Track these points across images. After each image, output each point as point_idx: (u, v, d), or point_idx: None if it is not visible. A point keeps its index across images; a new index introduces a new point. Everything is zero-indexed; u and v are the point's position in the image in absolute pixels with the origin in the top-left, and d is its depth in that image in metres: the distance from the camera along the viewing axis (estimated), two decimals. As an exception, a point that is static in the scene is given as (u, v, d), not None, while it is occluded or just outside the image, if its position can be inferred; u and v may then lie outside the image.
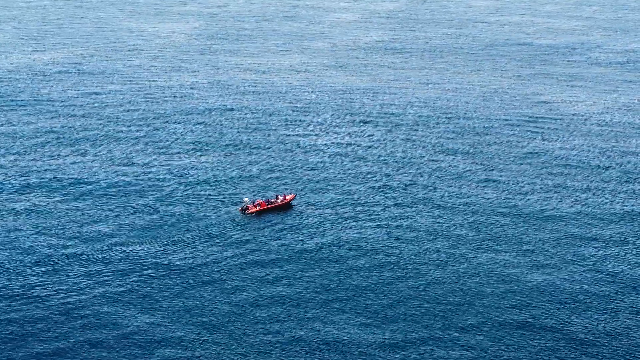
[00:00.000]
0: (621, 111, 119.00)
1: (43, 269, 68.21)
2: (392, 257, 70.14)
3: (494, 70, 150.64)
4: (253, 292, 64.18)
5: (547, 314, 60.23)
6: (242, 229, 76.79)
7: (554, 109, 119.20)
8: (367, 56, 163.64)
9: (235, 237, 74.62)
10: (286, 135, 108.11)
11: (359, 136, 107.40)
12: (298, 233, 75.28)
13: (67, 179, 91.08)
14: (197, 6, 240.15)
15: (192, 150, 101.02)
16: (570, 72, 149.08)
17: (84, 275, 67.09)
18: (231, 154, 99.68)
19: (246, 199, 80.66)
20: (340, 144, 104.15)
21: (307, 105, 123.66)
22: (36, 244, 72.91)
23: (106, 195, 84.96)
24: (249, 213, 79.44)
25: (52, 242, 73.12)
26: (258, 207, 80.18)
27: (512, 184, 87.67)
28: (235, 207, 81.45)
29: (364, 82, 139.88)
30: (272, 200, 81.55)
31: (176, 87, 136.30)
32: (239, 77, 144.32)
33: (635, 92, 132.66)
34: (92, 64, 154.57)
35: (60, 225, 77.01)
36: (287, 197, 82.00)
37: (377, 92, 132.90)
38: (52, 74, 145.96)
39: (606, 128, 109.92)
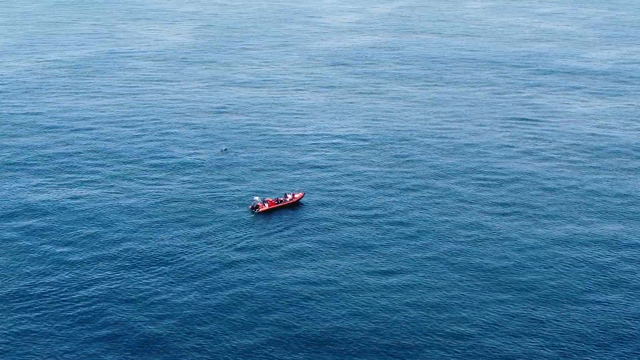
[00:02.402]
0: (617, 123, 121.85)
1: (54, 275, 72.16)
2: (398, 264, 75.40)
3: (488, 78, 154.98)
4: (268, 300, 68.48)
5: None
6: (254, 228, 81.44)
7: (550, 123, 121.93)
8: (365, 59, 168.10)
9: (248, 236, 79.62)
10: (285, 137, 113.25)
11: (357, 140, 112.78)
12: (307, 235, 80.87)
13: (70, 178, 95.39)
14: (194, 8, 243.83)
15: (193, 153, 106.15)
16: (565, 79, 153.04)
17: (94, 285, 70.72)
18: (226, 149, 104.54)
19: (256, 198, 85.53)
20: (339, 146, 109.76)
21: (305, 108, 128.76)
22: (47, 250, 76.89)
23: (109, 200, 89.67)
24: (260, 212, 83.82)
25: (49, 251, 77.36)
26: (266, 206, 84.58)
27: (507, 204, 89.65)
28: (239, 206, 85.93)
29: (362, 85, 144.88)
30: (282, 199, 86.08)
31: (175, 90, 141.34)
32: (237, 79, 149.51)
33: (630, 103, 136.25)
34: (89, 68, 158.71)
35: (60, 232, 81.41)
36: (296, 196, 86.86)
37: (374, 96, 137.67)
38: (48, 78, 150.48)
39: (604, 144, 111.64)
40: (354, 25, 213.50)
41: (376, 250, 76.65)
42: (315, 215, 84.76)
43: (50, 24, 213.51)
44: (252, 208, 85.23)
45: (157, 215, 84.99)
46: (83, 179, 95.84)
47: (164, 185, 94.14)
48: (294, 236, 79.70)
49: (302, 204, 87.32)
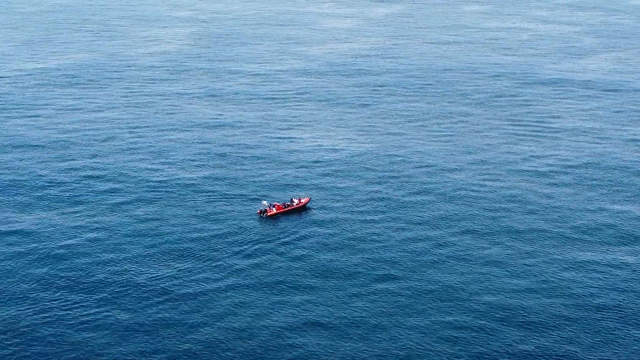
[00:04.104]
0: (615, 137, 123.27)
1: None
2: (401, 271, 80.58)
3: (484, 88, 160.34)
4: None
5: None
6: (264, 232, 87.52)
7: (548, 137, 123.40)
8: (362, 63, 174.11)
9: (258, 240, 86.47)
10: (283, 142, 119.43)
11: (354, 145, 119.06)
12: (317, 240, 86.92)
13: (65, 186, 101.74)
14: (192, 12, 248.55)
15: (194, 159, 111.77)
16: (563, 89, 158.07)
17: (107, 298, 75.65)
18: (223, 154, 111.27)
19: (265, 202, 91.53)
20: (338, 151, 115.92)
21: (302, 120, 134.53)
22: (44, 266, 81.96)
23: (112, 210, 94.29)
24: (268, 216, 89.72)
25: (49, 263, 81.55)
26: (274, 210, 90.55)
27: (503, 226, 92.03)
28: (244, 210, 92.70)
29: (359, 95, 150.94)
30: (288, 204, 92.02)
31: (172, 96, 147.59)
32: (234, 85, 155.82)
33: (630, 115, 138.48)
34: (87, 72, 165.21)
35: (62, 240, 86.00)
36: (302, 200, 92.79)
37: (373, 100, 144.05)
38: (47, 82, 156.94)
39: (602, 161, 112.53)
40: (350, 33, 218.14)
41: (374, 264, 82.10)
42: (322, 219, 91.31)
43: (44, 30, 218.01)
44: (261, 212, 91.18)
45: (166, 227, 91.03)
46: (79, 200, 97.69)
47: (166, 196, 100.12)
48: (300, 245, 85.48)
49: (308, 209, 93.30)
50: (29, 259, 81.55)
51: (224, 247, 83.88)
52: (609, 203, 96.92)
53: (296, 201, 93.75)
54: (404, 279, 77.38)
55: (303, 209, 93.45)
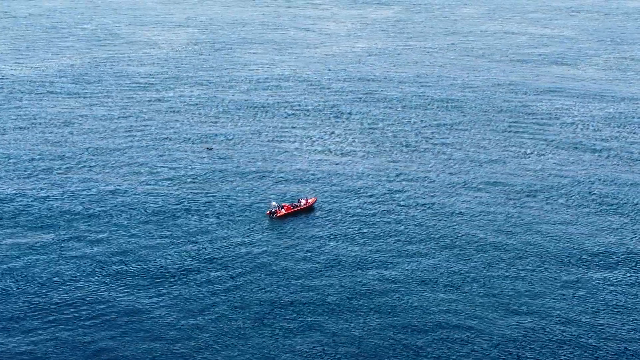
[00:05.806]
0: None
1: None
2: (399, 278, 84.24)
3: (481, 96, 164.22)
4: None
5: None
6: (274, 231, 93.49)
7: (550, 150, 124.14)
8: (360, 68, 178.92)
9: (271, 240, 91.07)
10: (282, 148, 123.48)
11: (354, 147, 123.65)
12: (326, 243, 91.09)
13: (64, 195, 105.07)
14: (190, 16, 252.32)
15: (193, 167, 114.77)
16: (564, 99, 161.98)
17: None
18: (210, 148, 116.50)
19: (274, 203, 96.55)
20: (336, 160, 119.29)
21: (302, 117, 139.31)
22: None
23: (111, 221, 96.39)
24: (277, 217, 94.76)
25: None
26: (283, 211, 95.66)
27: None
28: (251, 213, 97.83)
29: (360, 92, 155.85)
30: (296, 204, 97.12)
31: (171, 99, 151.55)
32: (233, 91, 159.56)
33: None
34: (86, 75, 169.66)
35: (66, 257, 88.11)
36: (309, 201, 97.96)
37: (371, 106, 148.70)
38: (44, 85, 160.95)
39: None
40: (348, 37, 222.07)
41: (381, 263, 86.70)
42: (328, 220, 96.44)
43: (40, 33, 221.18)
44: (270, 213, 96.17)
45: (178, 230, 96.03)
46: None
47: (174, 193, 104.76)
48: (312, 243, 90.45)
49: (314, 209, 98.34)
50: (25, 271, 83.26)
51: (235, 258, 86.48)
52: (605, 217, 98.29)
53: (303, 201, 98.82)
54: (404, 294, 79.42)
55: (310, 209, 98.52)
